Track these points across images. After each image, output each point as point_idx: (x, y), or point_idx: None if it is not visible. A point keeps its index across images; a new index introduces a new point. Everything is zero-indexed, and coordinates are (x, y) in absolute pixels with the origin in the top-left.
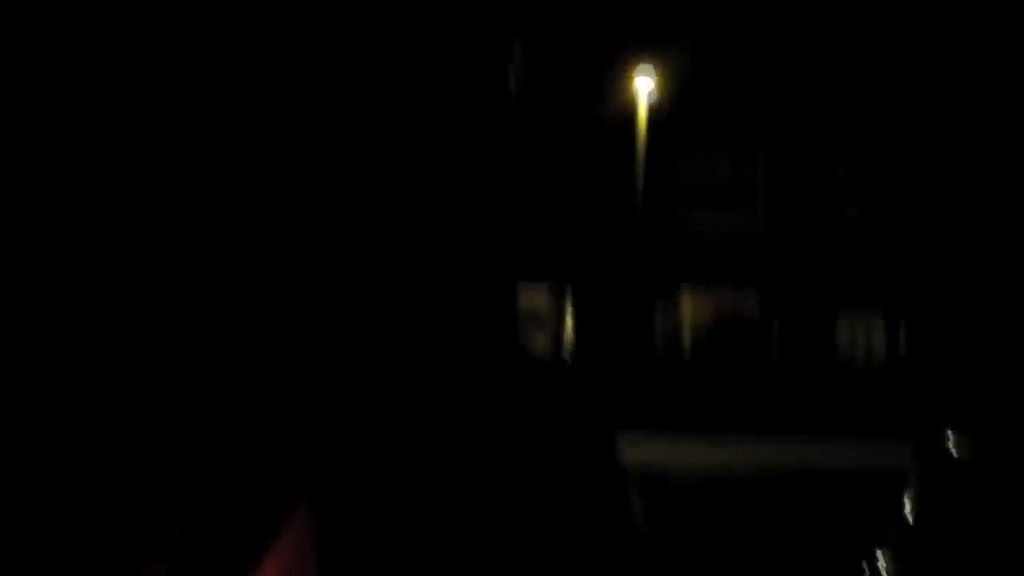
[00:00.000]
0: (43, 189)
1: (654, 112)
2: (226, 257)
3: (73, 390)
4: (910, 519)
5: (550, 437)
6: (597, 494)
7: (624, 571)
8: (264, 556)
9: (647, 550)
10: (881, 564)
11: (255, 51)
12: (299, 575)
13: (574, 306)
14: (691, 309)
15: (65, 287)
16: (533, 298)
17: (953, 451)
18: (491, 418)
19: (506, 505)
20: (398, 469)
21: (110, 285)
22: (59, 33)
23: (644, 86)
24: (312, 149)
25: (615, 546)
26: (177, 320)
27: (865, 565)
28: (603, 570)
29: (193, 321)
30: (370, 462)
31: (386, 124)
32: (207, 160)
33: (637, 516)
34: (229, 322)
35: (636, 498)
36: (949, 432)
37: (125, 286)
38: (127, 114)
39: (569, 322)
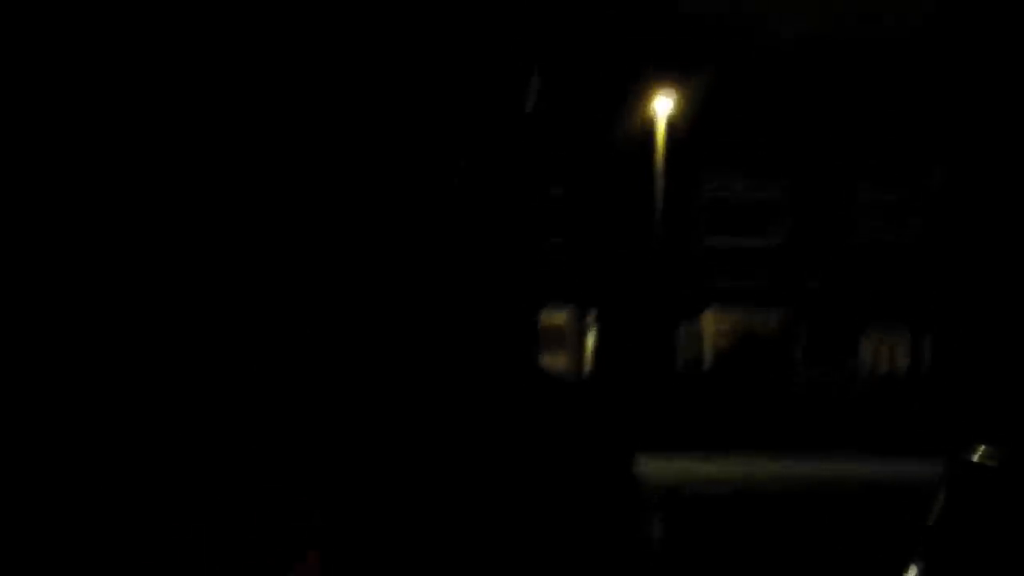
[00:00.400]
0: (43, 189)
1: (674, 134)
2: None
3: (81, 396)
4: (939, 533)
5: (567, 453)
6: (612, 509)
7: None
8: None
9: (662, 564)
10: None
11: (278, 66)
12: None
13: (596, 326)
14: (713, 327)
15: (75, 289)
16: (555, 318)
17: (982, 464)
18: (509, 435)
19: (520, 520)
20: (413, 485)
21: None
22: (59, 33)
23: (664, 108)
24: (340, 172)
25: (628, 560)
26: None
27: None
28: None
29: (213, 331)
30: (384, 481)
31: (408, 149)
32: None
33: (653, 531)
34: (233, 335)
35: (652, 513)
36: (978, 445)
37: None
38: (127, 114)
39: (590, 342)
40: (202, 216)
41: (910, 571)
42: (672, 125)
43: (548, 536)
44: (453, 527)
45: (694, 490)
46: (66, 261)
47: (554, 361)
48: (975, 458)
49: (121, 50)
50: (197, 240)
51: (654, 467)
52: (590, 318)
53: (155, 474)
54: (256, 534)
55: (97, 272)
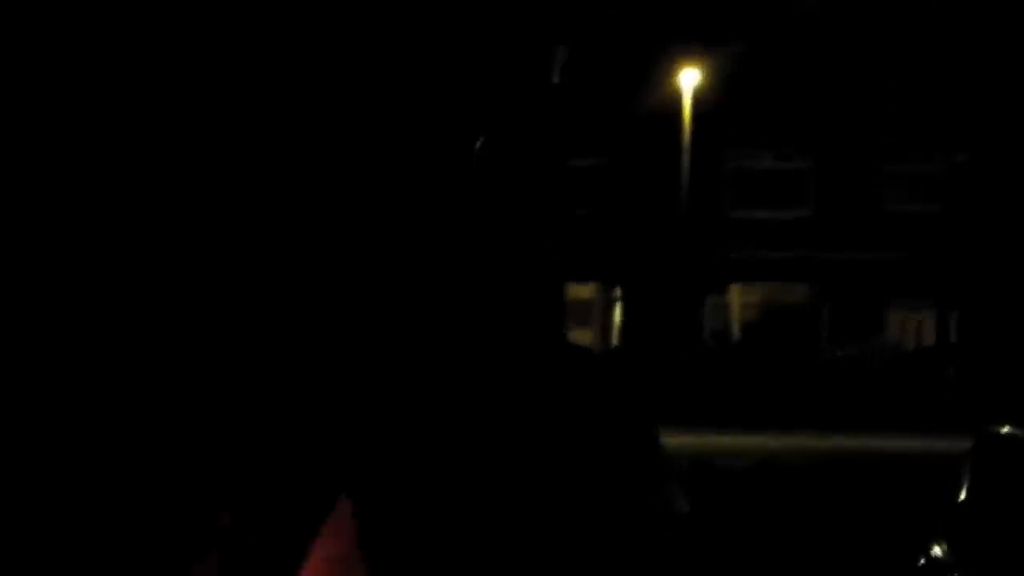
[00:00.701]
0: (43, 189)
1: (700, 106)
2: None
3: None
4: (967, 506)
5: (592, 426)
6: (637, 481)
7: (663, 556)
8: (311, 547)
9: (688, 537)
10: (936, 553)
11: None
12: (346, 568)
13: (622, 299)
14: (739, 300)
15: (85, 289)
16: (581, 291)
17: (1009, 437)
18: (535, 408)
19: (546, 494)
20: (442, 455)
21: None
22: (59, 33)
23: (690, 81)
24: (370, 148)
25: (654, 532)
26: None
27: (921, 555)
28: (639, 556)
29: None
30: (414, 451)
31: (429, 127)
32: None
33: (678, 504)
34: (268, 312)
35: (678, 486)
36: (1005, 420)
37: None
38: (126, 114)
39: (617, 315)
40: (223, 213)
41: (938, 543)
42: (698, 98)
43: (572, 510)
44: (477, 502)
45: (722, 463)
46: (66, 261)
47: (580, 335)
48: (1002, 432)
49: (121, 50)
50: (216, 239)
51: (682, 440)
52: (616, 291)
53: (151, 472)
54: (290, 481)
55: (97, 272)
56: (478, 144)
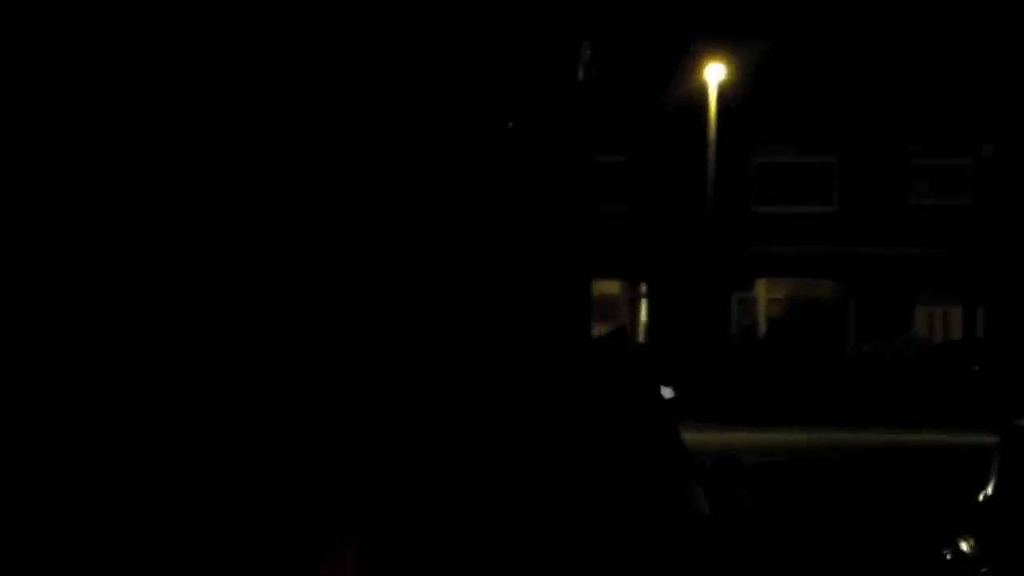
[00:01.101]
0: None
1: (726, 101)
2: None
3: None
4: (993, 503)
5: (610, 425)
6: (653, 481)
7: (677, 555)
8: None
9: (705, 536)
10: (963, 548)
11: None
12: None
13: (648, 297)
14: (765, 296)
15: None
16: (608, 287)
17: None
18: (561, 402)
19: (568, 489)
20: (456, 450)
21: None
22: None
23: (715, 76)
24: (401, 146)
25: (676, 529)
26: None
27: (947, 549)
28: (651, 553)
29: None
30: (429, 445)
31: (455, 126)
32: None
33: (699, 503)
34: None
35: (697, 487)
36: None
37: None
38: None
39: (643, 311)
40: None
41: (965, 537)
42: (723, 93)
43: (586, 507)
44: (501, 493)
45: (749, 460)
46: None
47: (606, 331)
48: None
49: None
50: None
51: (708, 437)
52: (642, 288)
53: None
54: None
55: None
56: (508, 125)
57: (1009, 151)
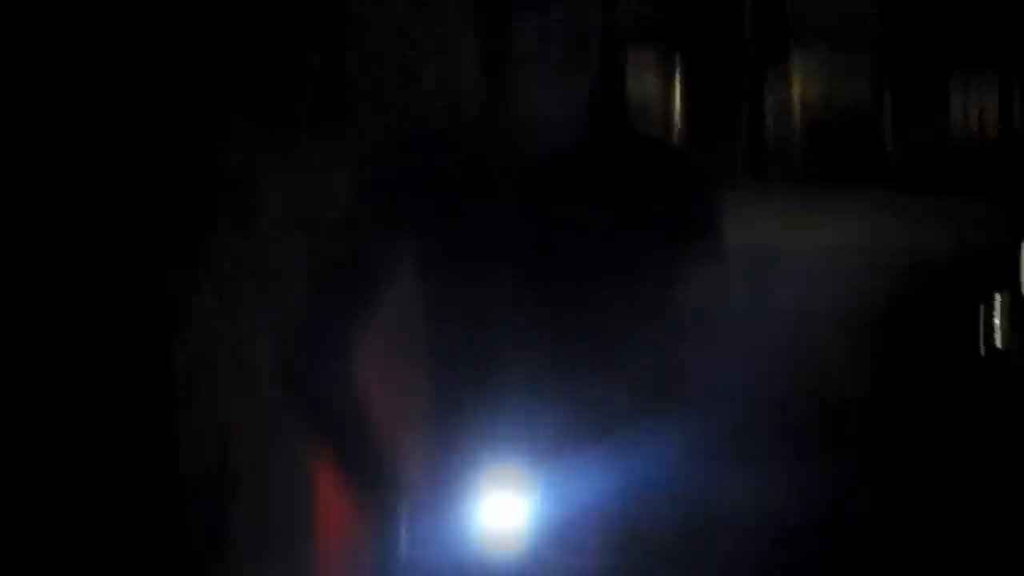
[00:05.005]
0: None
1: None
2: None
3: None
4: None
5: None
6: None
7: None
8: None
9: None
10: (996, 337)
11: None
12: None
13: (682, 85)
14: (800, 88)
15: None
16: (641, 86)
17: None
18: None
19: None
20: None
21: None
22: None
23: None
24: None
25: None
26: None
27: (981, 339)
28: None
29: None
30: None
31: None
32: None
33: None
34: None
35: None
36: None
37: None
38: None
39: (677, 108)
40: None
41: (994, 327)
42: None
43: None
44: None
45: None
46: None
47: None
48: None
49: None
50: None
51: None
52: (677, 77)
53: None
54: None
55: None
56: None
57: None
